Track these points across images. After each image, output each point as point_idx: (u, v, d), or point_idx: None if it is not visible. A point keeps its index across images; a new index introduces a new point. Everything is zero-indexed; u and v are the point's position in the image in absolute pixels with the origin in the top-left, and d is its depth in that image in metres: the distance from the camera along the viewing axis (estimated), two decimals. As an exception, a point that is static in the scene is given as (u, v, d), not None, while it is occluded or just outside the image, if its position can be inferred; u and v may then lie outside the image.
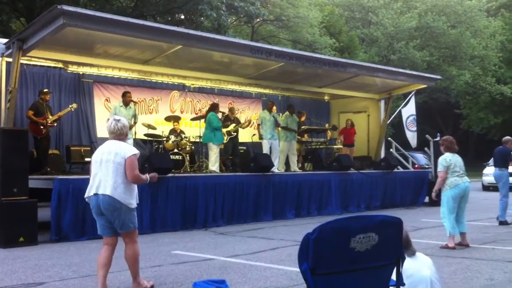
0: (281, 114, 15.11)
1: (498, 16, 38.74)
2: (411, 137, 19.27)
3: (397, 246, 3.12)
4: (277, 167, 14.01)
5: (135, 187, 5.79)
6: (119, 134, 5.71)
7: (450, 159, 8.61)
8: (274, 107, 14.79)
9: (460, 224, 8.66)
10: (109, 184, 5.52)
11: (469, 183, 8.77)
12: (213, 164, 12.59)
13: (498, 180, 11.70)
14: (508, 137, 11.94)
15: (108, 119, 6.08)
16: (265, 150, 14.04)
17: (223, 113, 14.20)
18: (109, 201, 5.52)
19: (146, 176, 5.85)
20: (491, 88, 35.39)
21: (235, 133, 14.32)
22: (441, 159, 8.72)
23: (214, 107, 13.25)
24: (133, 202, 5.70)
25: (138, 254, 5.88)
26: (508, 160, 11.61)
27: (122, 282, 6.26)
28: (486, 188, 22.38)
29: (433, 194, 8.92)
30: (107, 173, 5.54)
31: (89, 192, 5.66)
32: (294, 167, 14.76)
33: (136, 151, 5.74)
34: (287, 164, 14.79)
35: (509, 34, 37.48)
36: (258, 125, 14.53)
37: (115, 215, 5.60)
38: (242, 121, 15.01)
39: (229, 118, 14.54)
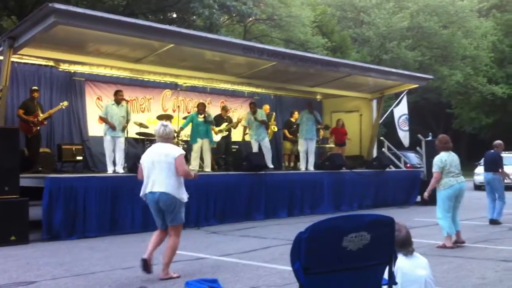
0: (274, 114, 15.16)
1: (490, 17, 38.89)
2: (403, 136, 19.29)
3: (389, 245, 3.12)
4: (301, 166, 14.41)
5: (183, 183, 6.45)
6: (167, 138, 6.49)
7: (445, 159, 8.59)
8: (267, 107, 14.78)
9: (454, 223, 8.67)
10: (164, 182, 6.25)
11: (465, 182, 8.79)
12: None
13: (491, 184, 11.67)
14: (499, 141, 11.98)
15: (159, 124, 6.68)
16: (255, 150, 14.04)
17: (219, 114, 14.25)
18: (166, 197, 6.24)
19: (193, 173, 6.85)
20: (482, 88, 35.52)
21: (228, 132, 14.30)
22: (436, 160, 8.69)
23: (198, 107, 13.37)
24: (185, 196, 6.42)
25: (178, 246, 6.51)
26: (500, 164, 11.66)
27: (114, 281, 6.23)
28: (478, 187, 22.47)
29: (425, 194, 8.90)
30: (160, 172, 6.27)
31: (145, 190, 6.40)
32: (311, 166, 14.72)
33: (182, 151, 6.55)
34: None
35: (500, 35, 37.65)
36: (245, 127, 14.54)
37: (170, 208, 6.29)
38: (235, 120, 15.01)
39: (222, 117, 14.53)
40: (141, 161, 6.57)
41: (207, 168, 12.81)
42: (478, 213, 12.91)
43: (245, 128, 14.65)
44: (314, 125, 14.87)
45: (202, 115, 12.96)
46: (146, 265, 6.26)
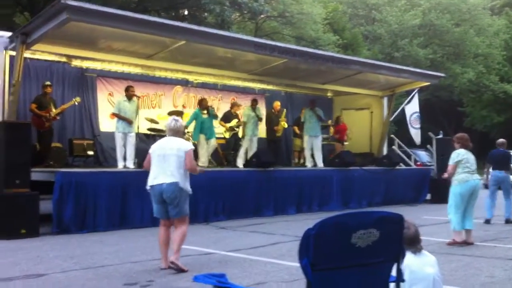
0: (285, 111, 15.10)
1: (502, 15, 38.61)
2: (415, 134, 19.21)
3: (397, 243, 3.12)
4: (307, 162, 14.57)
5: (189, 177, 6.70)
6: (177, 132, 6.72)
7: (463, 154, 8.62)
8: (278, 103, 14.69)
9: (468, 221, 8.61)
10: (173, 174, 6.46)
11: (480, 180, 8.77)
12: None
13: (503, 182, 11.61)
14: (503, 140, 11.93)
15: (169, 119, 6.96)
16: (244, 146, 13.95)
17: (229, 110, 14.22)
18: (173, 188, 6.45)
19: (199, 169, 7.14)
20: (494, 86, 35.29)
21: (238, 129, 14.30)
22: (453, 154, 8.72)
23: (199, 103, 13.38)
24: (189, 189, 6.66)
25: (186, 233, 6.71)
26: (509, 162, 11.61)
27: (123, 275, 6.28)
28: (487, 186, 22.32)
29: (445, 175, 8.90)
30: (170, 164, 6.48)
31: (152, 181, 6.56)
32: (320, 163, 14.71)
33: (192, 146, 6.84)
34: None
35: (513, 33, 37.42)
36: (244, 122, 14.30)
37: (176, 200, 6.50)
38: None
39: (232, 114, 14.54)
40: (150, 151, 6.75)
41: (203, 164, 12.72)
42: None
43: (244, 123, 14.34)
44: (317, 122, 14.85)
45: (206, 111, 12.98)
46: (171, 268, 6.45)
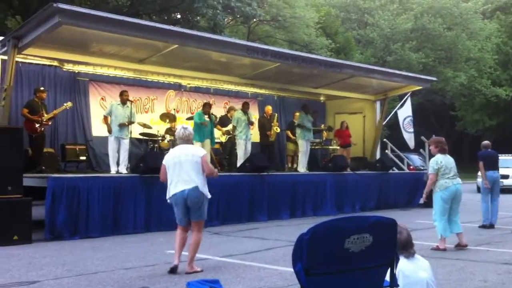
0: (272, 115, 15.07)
1: (494, 19, 38.81)
2: (409, 138, 19.25)
3: (391, 247, 3.12)
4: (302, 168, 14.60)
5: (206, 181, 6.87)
6: (187, 140, 6.85)
7: (441, 161, 8.59)
8: (269, 108, 14.69)
9: (454, 225, 8.65)
10: (193, 180, 6.62)
11: (461, 184, 8.77)
12: None
13: (497, 182, 11.66)
14: (488, 141, 12.04)
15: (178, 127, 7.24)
16: (241, 150, 13.74)
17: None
18: (196, 193, 6.62)
19: (216, 171, 7.23)
20: (486, 90, 35.45)
21: (233, 133, 14.27)
22: (432, 162, 8.72)
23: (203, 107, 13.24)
24: (208, 193, 6.84)
25: (200, 243, 6.89)
26: (498, 162, 11.72)
27: (116, 281, 6.24)
28: (479, 189, 22.38)
29: (423, 196, 8.96)
30: (189, 170, 6.62)
31: (174, 190, 6.65)
32: (305, 167, 14.73)
33: (205, 151, 7.11)
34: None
35: (504, 37, 37.58)
36: (234, 126, 14.09)
37: (198, 205, 6.68)
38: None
39: (228, 118, 14.48)
40: (164, 162, 6.85)
41: None
42: (479, 216, 12.83)
43: (234, 127, 14.12)
44: (311, 127, 14.96)
45: (207, 115, 12.92)
46: (175, 270, 6.63)
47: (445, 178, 8.54)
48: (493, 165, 11.65)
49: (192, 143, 7.10)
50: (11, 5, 22.28)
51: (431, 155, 16.29)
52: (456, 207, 8.72)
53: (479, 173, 12.13)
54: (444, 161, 8.61)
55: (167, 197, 6.78)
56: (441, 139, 9.02)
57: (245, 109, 14.18)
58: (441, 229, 8.53)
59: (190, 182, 6.60)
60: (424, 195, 8.94)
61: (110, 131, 11.49)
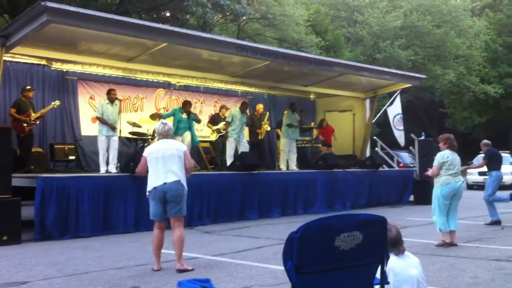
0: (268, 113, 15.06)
1: (483, 16, 39.00)
2: (399, 136, 19.28)
3: (381, 245, 3.12)
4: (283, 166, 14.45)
5: None
6: (167, 135, 6.89)
7: (448, 156, 8.62)
8: (260, 106, 14.67)
9: (451, 222, 8.67)
10: (175, 173, 6.65)
11: (462, 182, 8.82)
12: None
13: (499, 181, 11.52)
14: (487, 140, 11.98)
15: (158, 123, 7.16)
16: (230, 149, 13.49)
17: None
18: (177, 186, 6.65)
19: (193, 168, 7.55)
20: (475, 87, 35.63)
21: (225, 131, 14.20)
22: (438, 155, 8.73)
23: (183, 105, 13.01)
24: (186, 188, 6.83)
25: (184, 238, 6.85)
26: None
27: (106, 281, 6.21)
28: (470, 187, 22.58)
29: (428, 172, 8.94)
30: (171, 164, 6.66)
31: (154, 183, 6.63)
32: (293, 166, 14.67)
33: (185, 147, 7.17)
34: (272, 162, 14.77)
35: (493, 34, 37.76)
36: (228, 122, 13.76)
37: (178, 199, 6.68)
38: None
39: (220, 116, 14.42)
40: (145, 154, 6.86)
41: None
42: (470, 213, 12.95)
43: (227, 123, 13.76)
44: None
45: (186, 114, 12.68)
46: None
47: (447, 174, 8.57)
48: (500, 164, 11.66)
49: (172, 138, 7.15)
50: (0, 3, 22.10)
51: (421, 153, 16.50)
52: (455, 204, 8.75)
53: (470, 170, 12.10)
54: (451, 157, 8.64)
55: (147, 190, 6.76)
56: (450, 136, 9.01)
57: (243, 109, 13.92)
58: (440, 224, 8.56)
59: (172, 175, 6.64)
60: (429, 172, 8.88)
61: (114, 129, 11.45)
